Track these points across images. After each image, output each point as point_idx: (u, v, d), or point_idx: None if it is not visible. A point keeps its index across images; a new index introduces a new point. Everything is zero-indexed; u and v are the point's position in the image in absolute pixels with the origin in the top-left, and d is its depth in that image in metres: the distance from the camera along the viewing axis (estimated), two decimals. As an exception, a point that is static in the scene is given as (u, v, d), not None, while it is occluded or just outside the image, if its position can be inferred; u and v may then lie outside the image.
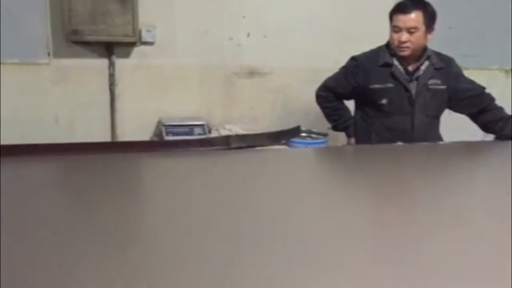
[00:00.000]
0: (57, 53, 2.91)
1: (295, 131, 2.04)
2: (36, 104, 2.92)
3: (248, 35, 3.21)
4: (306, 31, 3.25)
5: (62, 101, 2.96)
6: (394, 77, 2.18)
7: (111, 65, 2.97)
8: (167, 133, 2.84)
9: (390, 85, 2.18)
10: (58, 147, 1.59)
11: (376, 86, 2.20)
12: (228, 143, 1.72)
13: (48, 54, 2.90)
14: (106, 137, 2.99)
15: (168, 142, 2.14)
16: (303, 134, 2.92)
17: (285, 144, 2.01)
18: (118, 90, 3.02)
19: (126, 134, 3.05)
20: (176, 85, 3.13)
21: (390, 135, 2.18)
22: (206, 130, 2.92)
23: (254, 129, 2.95)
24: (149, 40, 2.98)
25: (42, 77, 2.92)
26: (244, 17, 3.18)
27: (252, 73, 3.27)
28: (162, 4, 3.01)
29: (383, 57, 2.19)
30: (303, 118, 3.11)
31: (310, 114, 3.15)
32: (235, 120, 3.24)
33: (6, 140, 1.53)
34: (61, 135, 2.83)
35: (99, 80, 2.98)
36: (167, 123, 2.89)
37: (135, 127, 3.06)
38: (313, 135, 3.07)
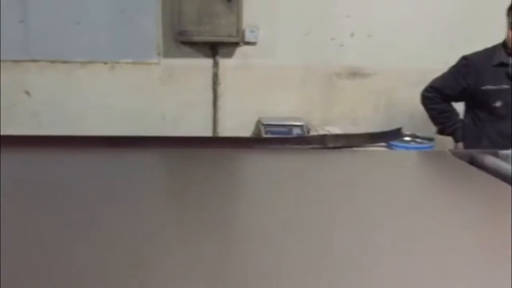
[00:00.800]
0: (167, 53, 3.08)
1: (396, 133, 1.94)
2: (146, 101, 3.11)
3: (352, 35, 3.14)
4: (413, 30, 3.11)
5: (169, 98, 3.12)
6: (510, 77, 2.00)
7: (215, 64, 3.08)
8: (266, 132, 2.87)
9: (506, 86, 2.01)
10: (164, 140, 1.68)
11: (489, 87, 2.03)
12: (324, 142, 1.69)
13: (158, 54, 3.08)
14: (207, 134, 3.11)
15: (265, 139, 2.16)
16: (407, 138, 2.78)
17: (385, 146, 1.93)
18: (220, 89, 3.12)
19: (227, 131, 3.14)
20: (277, 85, 3.15)
21: (503, 141, 2.00)
22: (305, 130, 2.91)
23: (354, 131, 2.88)
24: (252, 40, 3.04)
25: (152, 76, 3.11)
26: (348, 16, 3.12)
27: (354, 74, 3.19)
28: (266, 5, 3.06)
29: (499, 57, 2.02)
30: (407, 122, 2.97)
31: (415, 117, 3.00)
32: (335, 121, 3.19)
33: (123, 132, 1.64)
34: (167, 130, 2.98)
35: (204, 79, 3.10)
36: (267, 123, 2.92)
37: (235, 125, 3.13)
38: (417, 140, 2.91)
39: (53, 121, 3.09)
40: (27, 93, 3.10)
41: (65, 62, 3.07)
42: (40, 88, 3.09)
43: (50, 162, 1.44)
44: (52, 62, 3.06)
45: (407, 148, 2.70)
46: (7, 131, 1.67)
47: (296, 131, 2.88)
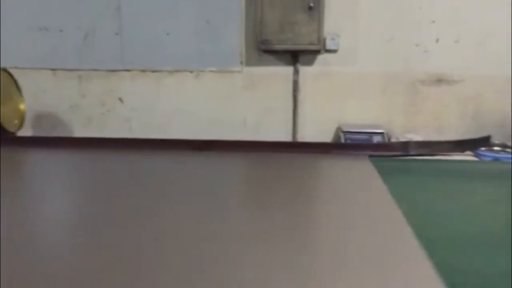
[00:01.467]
0: (249, 62, 3.17)
1: (483, 141, 1.87)
2: (228, 107, 3.22)
3: (437, 40, 3.04)
4: (503, 35, 2.95)
5: (251, 105, 3.21)
6: None
7: (296, 72, 3.12)
8: (346, 140, 2.86)
9: None
10: (244, 144, 1.75)
11: None
12: (406, 149, 1.66)
13: (241, 62, 3.18)
14: (287, 140, 3.15)
15: (345, 145, 2.16)
16: (496, 148, 2.64)
17: (472, 155, 1.85)
18: (300, 96, 3.15)
19: (306, 138, 3.16)
20: (357, 93, 3.13)
21: None
22: (386, 138, 2.86)
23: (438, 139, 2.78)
24: (332, 48, 3.05)
25: (235, 83, 3.21)
26: (433, 22, 3.03)
27: (439, 80, 3.09)
28: (347, 12, 3.05)
29: None
30: (497, 131, 2.82)
31: (506, 126, 2.84)
32: (418, 129, 3.10)
33: (206, 137, 1.74)
34: (247, 136, 3.07)
35: (284, 86, 3.15)
36: (346, 130, 2.91)
37: (315, 133, 3.15)
38: (507, 149, 2.75)
39: (143, 126, 3.30)
40: (121, 100, 3.33)
41: (154, 71, 3.27)
42: (132, 95, 3.31)
43: (142, 162, 1.55)
44: (143, 71, 3.27)
45: (496, 158, 2.56)
46: (102, 135, 1.82)
47: (377, 139, 2.84)
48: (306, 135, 3.17)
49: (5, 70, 2.38)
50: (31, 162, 1.73)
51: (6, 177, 1.32)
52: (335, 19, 3.01)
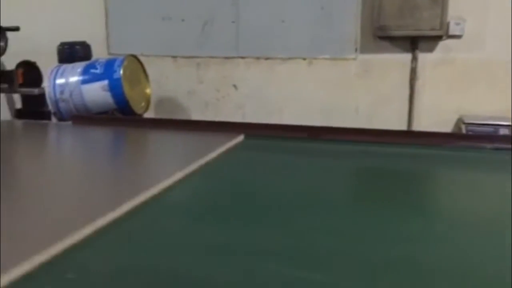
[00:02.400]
0: (364, 49, 3.09)
1: None
2: (341, 95, 3.17)
3: None
4: None
5: (364, 93, 3.13)
6: None
7: (414, 59, 2.97)
8: (467, 132, 2.67)
9: None
10: (357, 132, 1.71)
11: None
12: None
13: (356, 50, 3.11)
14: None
15: (469, 136, 2.01)
16: None
17: None
18: (418, 85, 3.00)
19: (422, 129, 3.00)
20: (482, 82, 2.90)
21: None
22: (514, 131, 2.62)
23: None
24: (457, 33, 2.85)
25: (348, 71, 3.15)
26: None
27: None
28: (475, -6, 2.84)
29: None
30: None
31: None
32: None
33: (318, 123, 1.73)
34: (359, 124, 2.99)
35: (401, 74, 3.02)
36: (468, 121, 2.72)
37: (432, 123, 2.99)
38: None
39: (255, 112, 3.37)
40: (235, 86, 3.43)
41: (268, 58, 3.31)
42: (246, 82, 3.40)
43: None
44: (257, 58, 3.34)
45: None
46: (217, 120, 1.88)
47: (503, 131, 2.61)
48: (423, 125, 3.02)
49: (134, 56, 2.57)
50: (155, 141, 1.85)
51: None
52: (461, 2, 2.81)
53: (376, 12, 2.87)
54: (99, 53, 3.23)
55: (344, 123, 2.91)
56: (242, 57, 3.37)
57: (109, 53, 3.48)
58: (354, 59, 3.12)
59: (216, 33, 3.36)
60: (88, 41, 3.15)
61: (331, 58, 3.17)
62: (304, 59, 3.23)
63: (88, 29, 3.47)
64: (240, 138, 1.59)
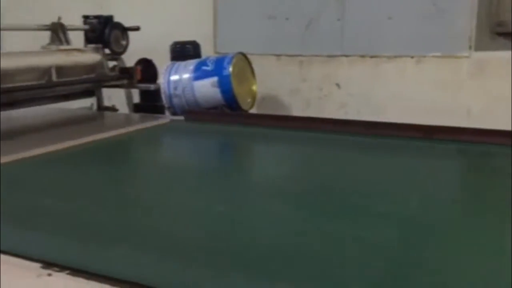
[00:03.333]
0: (479, 46, 2.91)
1: None
2: (450, 95, 3.02)
3: None
4: None
5: (477, 93, 2.94)
6: None
7: (537, 57, 2.75)
8: None
9: None
10: (476, 132, 1.62)
11: None
12: None
13: (470, 47, 2.94)
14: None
15: None
16: None
17: None
18: (541, 84, 2.77)
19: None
20: None
21: None
22: None
23: None
24: None
25: (460, 69, 2.98)
26: None
27: None
28: None
29: None
30: None
31: None
32: None
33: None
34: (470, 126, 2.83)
35: (521, 73, 2.81)
36: None
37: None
38: None
39: (358, 112, 3.31)
40: (338, 85, 3.40)
41: (373, 56, 3.24)
42: (349, 81, 3.35)
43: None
44: (362, 56, 3.28)
45: None
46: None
47: None
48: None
49: (243, 54, 2.65)
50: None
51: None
52: None
53: (495, 6, 2.69)
54: (206, 52, 3.37)
55: (454, 124, 2.78)
56: (346, 56, 3.32)
57: (216, 52, 3.61)
58: (468, 57, 2.95)
59: (320, 31, 3.35)
60: (197, 40, 3.29)
61: (442, 55, 3.02)
62: (412, 57, 3.11)
63: (198, 29, 3.62)
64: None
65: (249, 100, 2.64)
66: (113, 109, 2.67)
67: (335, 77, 3.40)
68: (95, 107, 2.67)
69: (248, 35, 3.62)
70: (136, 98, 2.95)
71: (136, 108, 2.71)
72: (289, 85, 3.56)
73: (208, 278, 0.87)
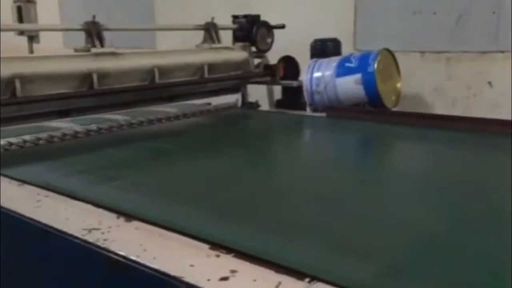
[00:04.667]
0: None
1: None
2: None
3: None
4: None
5: None
6: None
7: None
8: None
9: None
10: None
11: None
12: None
13: None
14: None
15: None
16: None
17: None
18: None
19: None
20: None
21: None
22: None
23: None
24: None
25: None
26: None
27: None
28: None
29: None
30: None
31: None
32: None
33: None
34: None
35: None
36: None
37: None
38: None
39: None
40: (490, 84, 3.14)
41: (534, 52, 2.93)
42: (504, 79, 3.07)
43: None
44: (522, 52, 2.98)
45: None
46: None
47: None
48: None
49: (388, 50, 2.57)
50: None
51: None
52: None
53: None
54: (345, 49, 3.33)
55: None
56: (502, 51, 3.05)
57: (355, 49, 3.55)
58: None
59: (472, 25, 3.12)
60: (337, 37, 3.27)
61: None
62: None
63: (337, 25, 3.60)
64: None
65: (393, 97, 2.55)
66: (256, 105, 2.77)
67: (487, 74, 3.14)
68: (239, 102, 2.80)
69: (390, 31, 3.50)
70: (277, 95, 3.02)
71: (278, 104, 2.78)
72: (433, 83, 3.36)
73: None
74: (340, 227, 1.11)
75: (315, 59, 2.73)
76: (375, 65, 2.41)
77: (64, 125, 2.19)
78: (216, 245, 1.01)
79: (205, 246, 1.02)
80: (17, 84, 1.79)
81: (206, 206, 1.27)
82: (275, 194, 1.38)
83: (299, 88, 2.65)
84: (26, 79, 1.81)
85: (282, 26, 2.72)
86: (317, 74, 2.58)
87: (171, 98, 2.43)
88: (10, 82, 1.78)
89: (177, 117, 2.51)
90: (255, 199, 1.33)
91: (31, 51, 6.55)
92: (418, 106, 3.43)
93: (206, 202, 1.30)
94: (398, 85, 2.61)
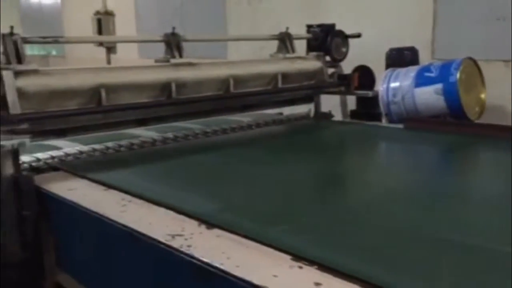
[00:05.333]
0: None
1: None
2: None
3: None
4: None
5: None
6: None
7: None
8: None
9: None
10: None
11: None
12: None
13: None
14: None
15: None
16: None
17: None
18: None
19: None
20: None
21: None
22: None
23: None
24: None
25: None
26: None
27: None
28: None
29: None
30: None
31: None
32: None
33: None
34: None
35: None
36: None
37: None
38: None
39: None
40: None
41: None
42: None
43: None
44: None
45: None
46: None
47: None
48: None
49: (472, 59, 2.45)
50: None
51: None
52: None
53: None
54: (423, 58, 3.20)
55: None
56: None
57: (433, 58, 3.41)
58: None
59: None
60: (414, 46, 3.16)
61: None
62: None
63: (414, 33, 3.48)
64: None
65: (476, 109, 2.42)
66: (329, 115, 2.73)
67: None
68: (312, 113, 2.77)
69: (471, 40, 3.33)
70: (351, 105, 2.96)
71: (353, 114, 2.72)
72: (519, 94, 3.16)
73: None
74: (427, 251, 1.05)
75: (391, 68, 2.65)
76: (458, 75, 2.30)
77: (142, 132, 2.27)
78: (298, 257, 0.99)
79: (287, 257, 1.00)
80: (103, 94, 1.87)
81: (285, 217, 1.26)
82: (358, 210, 1.33)
83: (375, 99, 2.58)
84: (110, 89, 1.89)
85: (358, 35, 2.67)
86: (394, 84, 2.50)
87: (244, 108, 2.44)
88: (96, 91, 1.86)
89: (250, 126, 2.53)
90: (337, 214, 1.30)
91: (108, 61, 6.89)
92: (502, 118, 3.23)
93: (284, 213, 1.29)
94: (482, 95, 2.47)
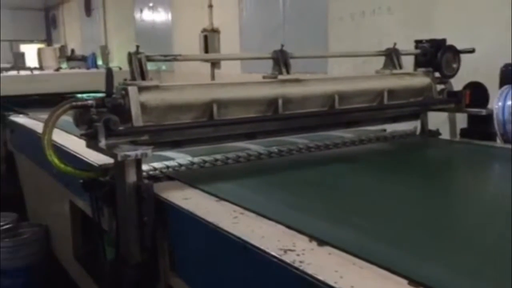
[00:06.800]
0: None
1: None
2: None
3: None
4: None
5: None
6: None
7: None
8: None
9: None
10: None
11: None
12: None
13: None
14: None
15: None
16: None
17: None
18: None
19: None
20: None
21: None
22: None
23: None
24: None
25: None
26: None
27: None
28: None
29: None
30: None
31: None
32: None
33: None
34: None
35: None
36: None
37: None
38: None
39: None
40: None
41: None
42: None
43: None
44: None
45: None
46: None
47: None
48: None
49: None
50: None
51: None
52: None
53: None
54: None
55: None
56: None
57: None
58: None
59: None
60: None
61: None
62: None
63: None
64: None
65: None
66: (437, 133, 2.62)
67: None
68: (418, 130, 2.67)
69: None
70: (460, 123, 2.82)
71: (463, 133, 2.59)
72: None
73: None
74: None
75: (508, 85, 2.48)
76: None
77: (247, 145, 2.34)
78: (416, 282, 0.97)
79: (403, 281, 0.98)
80: (214, 108, 1.96)
81: (401, 239, 1.23)
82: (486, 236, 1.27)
83: (488, 117, 2.43)
84: (222, 104, 1.98)
85: (472, 51, 2.54)
86: (511, 102, 2.35)
87: (349, 124, 2.43)
88: (208, 106, 1.96)
89: (353, 142, 2.51)
90: (452, 238, 1.25)
91: (213, 75, 7.20)
92: None
93: (405, 235, 1.26)
94: None
